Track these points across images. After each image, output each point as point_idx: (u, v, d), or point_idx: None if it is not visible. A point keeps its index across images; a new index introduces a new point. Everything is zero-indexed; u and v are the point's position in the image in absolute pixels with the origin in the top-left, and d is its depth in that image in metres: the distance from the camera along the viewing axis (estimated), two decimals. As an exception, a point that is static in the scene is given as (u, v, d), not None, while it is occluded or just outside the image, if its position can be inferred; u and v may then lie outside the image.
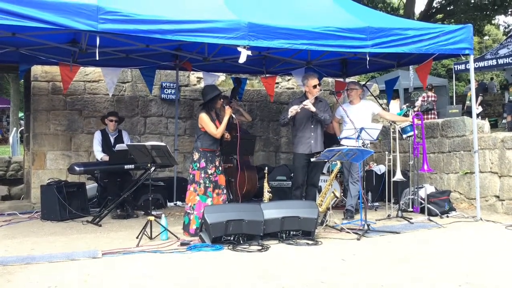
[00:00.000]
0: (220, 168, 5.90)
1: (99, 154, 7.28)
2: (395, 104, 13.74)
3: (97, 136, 7.40)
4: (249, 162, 8.14)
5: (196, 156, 5.83)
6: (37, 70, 8.31)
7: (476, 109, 11.37)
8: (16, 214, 7.35)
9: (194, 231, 5.62)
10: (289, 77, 10.14)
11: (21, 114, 19.72)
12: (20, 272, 4.17)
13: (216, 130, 5.74)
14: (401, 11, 23.12)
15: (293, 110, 6.23)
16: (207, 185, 5.75)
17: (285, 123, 6.50)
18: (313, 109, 6.25)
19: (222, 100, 6.10)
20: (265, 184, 6.51)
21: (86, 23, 4.72)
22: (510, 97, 14.92)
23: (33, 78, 8.37)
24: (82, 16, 4.70)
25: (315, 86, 6.37)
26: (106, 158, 7.12)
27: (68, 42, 6.77)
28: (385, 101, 10.69)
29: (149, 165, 5.79)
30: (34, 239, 5.59)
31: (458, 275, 4.05)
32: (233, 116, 6.05)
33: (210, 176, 5.77)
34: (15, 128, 16.69)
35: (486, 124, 7.91)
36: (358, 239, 5.39)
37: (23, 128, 11.48)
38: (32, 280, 3.95)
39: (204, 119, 5.77)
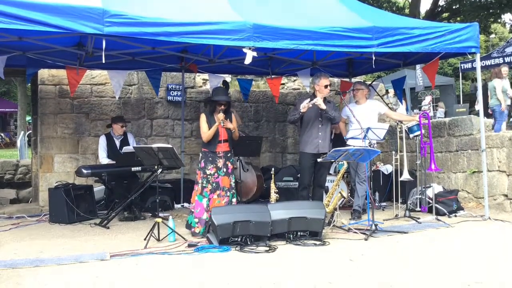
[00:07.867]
0: (225, 169, 5.80)
1: (104, 161, 7.27)
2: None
3: (102, 141, 7.38)
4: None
5: (200, 156, 5.91)
6: (44, 73, 8.35)
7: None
8: (25, 217, 7.38)
9: (191, 229, 5.76)
10: (294, 78, 10.12)
11: (28, 118, 19.84)
12: (29, 275, 4.19)
13: (206, 132, 5.77)
14: (407, 10, 23.08)
15: (305, 104, 6.14)
16: (204, 185, 5.77)
17: (295, 119, 6.41)
18: (323, 106, 6.17)
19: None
20: (272, 185, 6.50)
21: (92, 26, 4.75)
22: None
23: (40, 81, 8.41)
24: (88, 19, 4.72)
25: (326, 86, 6.32)
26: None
27: (74, 45, 6.79)
28: (391, 100, 10.63)
29: (156, 167, 5.81)
30: (43, 241, 5.62)
31: (467, 274, 4.03)
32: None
33: (209, 176, 5.76)
34: (22, 132, 16.76)
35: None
36: (366, 239, 5.37)
37: (30, 131, 11.54)
38: (41, 283, 3.97)
39: (200, 119, 5.92)
